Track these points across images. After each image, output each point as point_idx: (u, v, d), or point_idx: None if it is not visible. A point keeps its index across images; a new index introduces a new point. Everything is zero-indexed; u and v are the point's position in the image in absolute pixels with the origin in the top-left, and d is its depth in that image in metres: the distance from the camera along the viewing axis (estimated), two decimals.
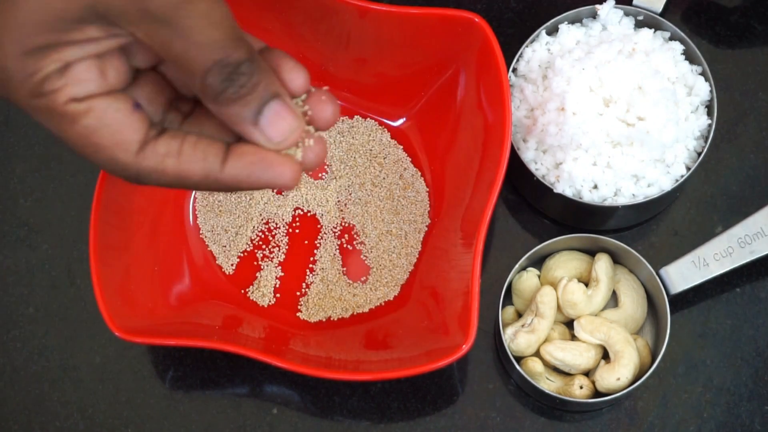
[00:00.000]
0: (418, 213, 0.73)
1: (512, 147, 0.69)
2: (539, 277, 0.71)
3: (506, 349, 0.67)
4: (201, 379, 0.72)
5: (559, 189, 0.69)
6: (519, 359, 0.68)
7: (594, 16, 0.73)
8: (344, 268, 0.73)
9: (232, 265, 0.73)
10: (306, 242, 0.74)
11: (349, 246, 0.73)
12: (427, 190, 0.74)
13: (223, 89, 0.43)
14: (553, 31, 0.73)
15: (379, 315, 0.72)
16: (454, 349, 0.62)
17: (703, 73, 0.71)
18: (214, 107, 0.44)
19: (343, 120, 0.76)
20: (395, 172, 0.75)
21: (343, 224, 0.74)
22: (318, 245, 0.74)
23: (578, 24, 0.73)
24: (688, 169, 0.69)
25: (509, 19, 0.79)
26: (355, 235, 0.73)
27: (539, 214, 0.74)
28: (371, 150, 0.75)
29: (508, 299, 0.71)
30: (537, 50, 0.72)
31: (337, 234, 0.74)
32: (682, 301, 0.72)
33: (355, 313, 0.72)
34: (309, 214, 0.74)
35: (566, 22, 0.73)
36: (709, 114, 0.70)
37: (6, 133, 0.78)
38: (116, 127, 0.43)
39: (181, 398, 0.72)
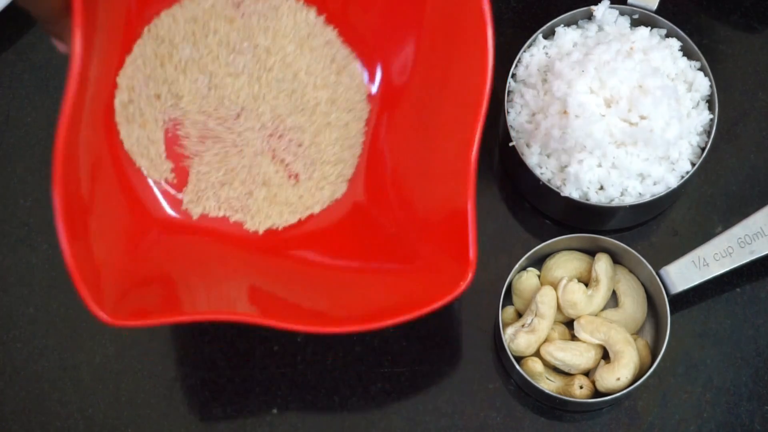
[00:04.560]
0: (356, 100, 0.68)
1: (516, 152, 0.69)
2: (539, 277, 0.71)
3: (506, 349, 0.67)
4: (201, 379, 0.72)
5: (566, 192, 0.68)
6: (519, 359, 0.68)
7: (590, 17, 0.73)
8: (285, 168, 0.68)
9: (166, 180, 0.68)
10: (240, 142, 0.68)
11: (287, 144, 0.68)
12: (365, 72, 0.69)
13: None
14: (549, 35, 0.73)
15: (335, 223, 0.66)
16: (449, 284, 0.56)
17: (701, 68, 0.71)
18: None
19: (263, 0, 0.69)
20: (326, 56, 0.68)
21: (278, 120, 0.68)
22: (253, 145, 0.68)
23: (574, 26, 0.73)
24: (693, 165, 0.69)
25: (509, 19, 0.79)
26: (292, 131, 0.68)
27: (539, 214, 0.74)
28: (299, 34, 0.68)
29: (508, 299, 0.71)
30: (535, 54, 0.72)
31: (273, 131, 0.68)
32: (682, 301, 0.72)
33: (304, 217, 0.67)
34: (241, 111, 0.68)
35: (562, 25, 0.73)
36: (710, 109, 0.70)
37: (6, 133, 0.78)
38: None
39: (181, 398, 0.72)
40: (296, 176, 0.68)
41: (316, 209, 0.68)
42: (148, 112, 0.68)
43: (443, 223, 0.60)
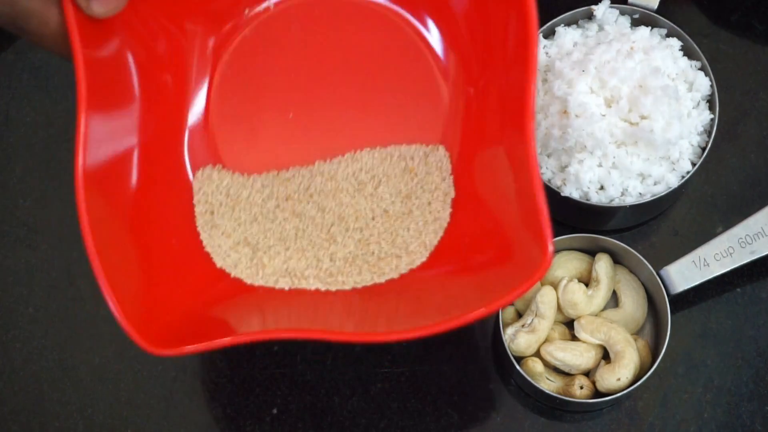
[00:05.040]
0: (438, 181, 0.64)
1: None
2: None
3: (506, 349, 0.67)
4: (201, 379, 0.72)
5: (566, 192, 0.68)
6: (519, 359, 0.68)
7: (590, 17, 0.73)
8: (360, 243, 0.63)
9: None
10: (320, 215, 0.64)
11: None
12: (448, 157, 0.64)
13: None
14: (549, 34, 0.73)
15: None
16: (529, 270, 0.51)
17: (702, 68, 0.71)
18: None
19: None
20: (401, 176, 0.64)
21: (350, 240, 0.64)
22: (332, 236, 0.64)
23: (574, 26, 0.73)
24: (693, 164, 0.69)
25: None
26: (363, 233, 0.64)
27: None
28: (352, 184, 0.64)
29: None
30: None
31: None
32: (683, 301, 0.72)
33: (381, 281, 0.62)
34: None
35: (562, 25, 0.73)
36: (711, 108, 0.70)
37: (6, 133, 0.78)
38: None
39: (181, 398, 0.72)
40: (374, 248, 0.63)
41: (394, 275, 0.63)
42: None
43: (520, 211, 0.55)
